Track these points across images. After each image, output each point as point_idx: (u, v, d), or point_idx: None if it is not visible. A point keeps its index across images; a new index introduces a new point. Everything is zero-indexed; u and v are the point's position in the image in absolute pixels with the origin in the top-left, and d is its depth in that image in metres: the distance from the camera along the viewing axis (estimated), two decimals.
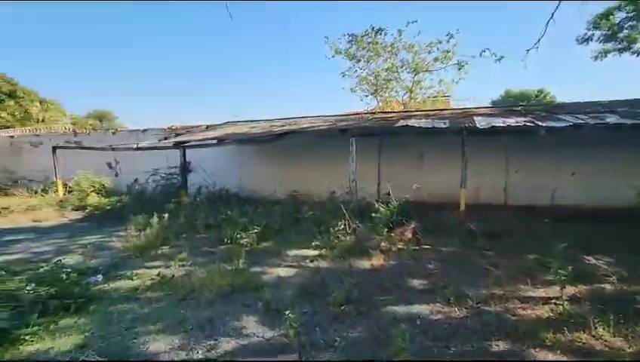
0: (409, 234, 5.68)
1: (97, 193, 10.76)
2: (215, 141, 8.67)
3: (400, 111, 11.98)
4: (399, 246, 5.41)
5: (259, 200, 9.56)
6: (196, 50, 67.85)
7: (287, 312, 2.95)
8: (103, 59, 62.87)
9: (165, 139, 10.78)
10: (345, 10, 39.59)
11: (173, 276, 4.35)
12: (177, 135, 11.28)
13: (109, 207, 9.53)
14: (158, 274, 4.42)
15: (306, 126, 9.24)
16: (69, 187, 10.72)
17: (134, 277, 4.41)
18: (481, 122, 7.08)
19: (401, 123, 7.72)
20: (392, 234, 5.69)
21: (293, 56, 60.97)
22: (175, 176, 9.64)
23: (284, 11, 51.95)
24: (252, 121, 11.82)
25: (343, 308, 3.40)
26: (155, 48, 67.76)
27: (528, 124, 6.60)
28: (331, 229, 5.87)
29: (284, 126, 9.71)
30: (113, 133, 13.41)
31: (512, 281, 4.05)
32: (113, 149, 10.32)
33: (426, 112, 10.26)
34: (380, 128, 8.04)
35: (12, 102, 28.71)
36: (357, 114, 11.80)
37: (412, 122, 7.61)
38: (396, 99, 16.52)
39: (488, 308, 3.39)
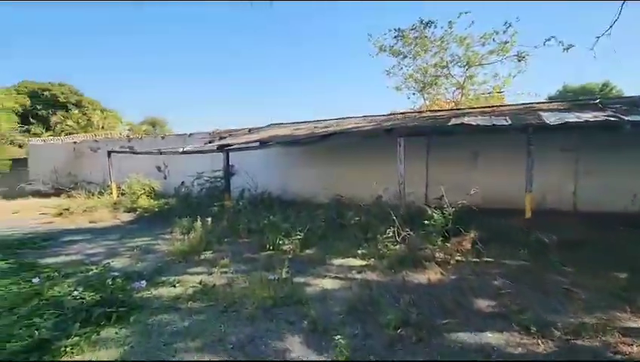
0: (468, 245, 5.08)
1: (147, 195, 11.20)
2: (258, 143, 8.57)
3: (451, 109, 11.18)
4: (457, 258, 4.84)
5: (301, 203, 9.34)
6: (247, 57, 70.02)
7: (336, 337, 2.59)
8: (156, 67, 67.06)
9: (210, 142, 10.96)
10: (391, 7, 38.50)
11: (214, 285, 4.17)
12: (221, 138, 11.43)
13: (157, 209, 9.83)
14: (200, 282, 4.27)
15: (350, 127, 8.86)
16: (122, 190, 11.25)
17: (177, 284, 4.29)
18: (549, 118, 6.24)
19: (454, 121, 7.07)
20: (448, 244, 5.12)
21: (334, 56, 60.99)
22: (219, 179, 9.71)
23: (322, 10, 52.08)
24: (295, 123, 11.67)
25: (399, 331, 2.96)
26: (202, 56, 71.12)
27: (611, 118, 5.67)
28: (379, 237, 5.44)
29: (327, 127, 9.41)
30: (162, 138, 13.98)
31: (604, 307, 3.36)
32: (161, 153, 10.67)
33: (481, 109, 9.42)
34: (430, 127, 7.43)
35: (77, 111, 31.51)
36: (403, 113, 11.19)
37: (467, 120, 6.93)
38: (445, 97, 15.59)
39: (581, 341, 2.77)
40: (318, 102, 66.01)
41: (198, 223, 6.21)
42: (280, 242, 5.57)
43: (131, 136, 15.29)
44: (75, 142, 16.38)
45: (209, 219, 6.63)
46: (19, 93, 38.40)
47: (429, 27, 14.34)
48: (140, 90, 69.44)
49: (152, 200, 10.92)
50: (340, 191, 9.24)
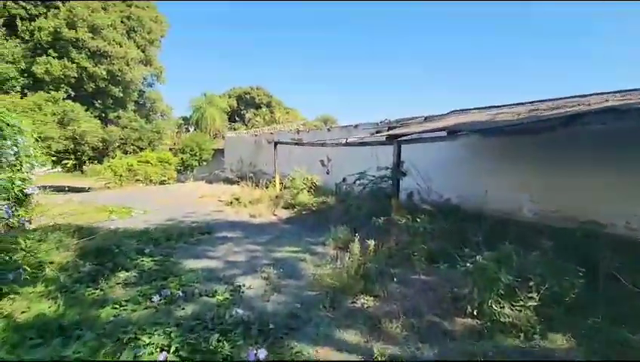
0: None
1: (308, 190, 10.40)
2: (444, 133, 6.07)
3: None
4: None
5: (495, 218, 6.33)
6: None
7: None
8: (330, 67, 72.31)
9: (377, 133, 9.10)
10: None
11: None
12: (390, 128, 9.42)
13: (314, 208, 8.73)
14: None
15: (604, 105, 5.17)
16: (285, 183, 10.84)
17: None
18: None
19: None
20: None
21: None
22: (385, 178, 7.71)
23: None
24: (489, 107, 8.43)
25: None
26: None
27: None
28: None
29: (557, 108, 5.94)
30: (328, 130, 13.17)
31: None
32: (323, 145, 9.53)
33: None
34: None
35: (265, 110, 36.45)
36: None
37: None
38: None
39: None
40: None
41: (356, 243, 4.32)
42: (496, 307, 3.01)
43: (300, 129, 15.38)
44: (255, 135, 17.87)
45: (371, 242, 4.67)
46: (229, 97, 48.07)
47: None
48: (318, 94, 76.50)
49: (311, 196, 10.02)
50: (559, 206, 5.72)
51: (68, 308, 3.12)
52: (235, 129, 31.07)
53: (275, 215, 8.39)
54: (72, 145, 14.10)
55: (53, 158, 19.08)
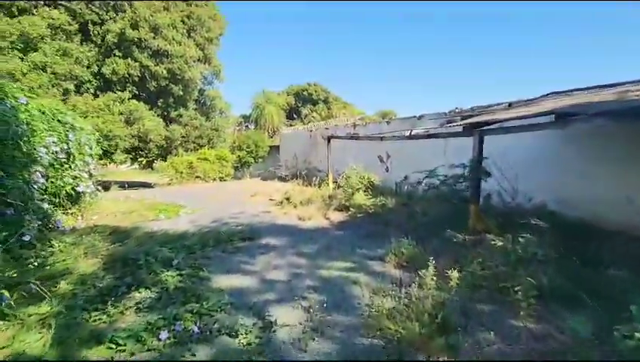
0: None
1: (365, 190, 9.29)
2: (545, 119, 4.54)
3: None
4: None
5: (616, 234, 4.64)
6: None
7: None
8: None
9: (448, 123, 7.63)
10: None
11: None
12: (464, 118, 7.88)
13: (371, 210, 7.60)
14: None
15: None
16: (340, 181, 9.84)
17: None
18: None
19: None
20: None
21: None
22: (460, 179, 6.28)
23: None
24: (606, 86, 6.45)
25: None
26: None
27: None
28: None
29: None
30: (388, 123, 11.85)
31: None
32: (381, 139, 8.33)
33: None
34: None
35: (322, 105, 35.86)
36: None
37: None
38: None
39: None
40: None
41: (430, 270, 3.15)
42: None
43: (357, 123, 14.26)
44: (310, 130, 17.15)
45: (440, 250, 3.46)
46: (287, 95, 48.50)
47: None
48: (375, 90, 74.19)
49: (368, 197, 8.90)
50: None
51: (55, 345, 2.47)
52: (292, 126, 30.89)
53: (326, 218, 7.44)
54: (137, 143, 14.68)
55: (131, 156, 20.54)
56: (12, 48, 12.14)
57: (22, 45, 12.32)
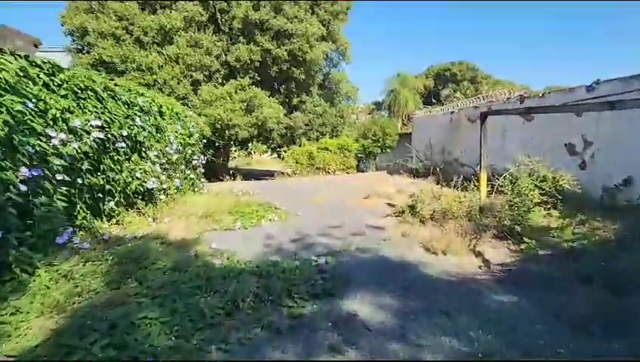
0: None
1: (545, 201, 5.49)
2: None
3: None
4: None
5: None
6: None
7: None
8: None
9: None
10: None
11: None
12: None
13: (569, 245, 3.99)
14: None
15: None
16: (500, 183, 6.19)
17: None
18: None
19: None
20: None
21: None
22: None
23: None
24: None
25: None
26: None
27: None
28: None
29: None
30: (588, 89, 7.25)
31: None
32: (579, 113, 4.47)
33: None
34: None
35: (467, 84, 29.98)
36: None
37: None
38: None
39: None
40: None
41: None
42: None
43: (525, 95, 9.77)
44: (452, 112, 13.26)
45: None
46: (426, 77, 43.37)
47: None
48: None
49: (555, 215, 5.13)
50: None
51: None
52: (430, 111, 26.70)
53: (476, 254, 4.22)
54: (257, 132, 14.07)
55: (272, 145, 20.97)
56: (153, 43, 12.88)
57: (160, 39, 12.98)
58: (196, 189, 8.43)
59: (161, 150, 6.06)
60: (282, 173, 16.53)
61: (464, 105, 13.00)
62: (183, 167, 7.53)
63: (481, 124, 5.79)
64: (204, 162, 8.77)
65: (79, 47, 12.95)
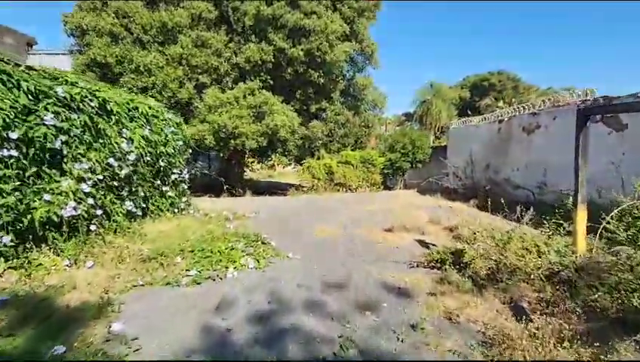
0: None
1: None
2: None
3: None
4: None
5: None
6: None
7: None
8: None
9: None
10: None
11: None
12: None
13: None
14: None
15: None
16: (606, 223, 3.87)
17: None
18: None
19: None
20: None
21: None
22: None
23: None
24: None
25: None
26: None
27: None
28: None
29: None
30: None
31: None
32: None
33: None
34: None
35: (510, 92, 27.02)
36: None
37: None
38: None
39: None
40: None
41: None
42: None
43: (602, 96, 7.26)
44: (499, 120, 10.86)
45: None
46: (461, 88, 40.44)
47: None
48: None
49: None
50: None
51: None
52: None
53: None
54: (266, 143, 12.34)
55: (290, 157, 19.35)
56: (154, 42, 11.62)
57: (162, 38, 11.70)
58: (176, 211, 6.70)
59: (98, 161, 4.34)
60: (297, 188, 14.71)
61: (513, 111, 10.57)
62: (155, 183, 5.84)
63: (579, 131, 3.56)
64: (186, 176, 7.04)
65: (80, 47, 11.95)
